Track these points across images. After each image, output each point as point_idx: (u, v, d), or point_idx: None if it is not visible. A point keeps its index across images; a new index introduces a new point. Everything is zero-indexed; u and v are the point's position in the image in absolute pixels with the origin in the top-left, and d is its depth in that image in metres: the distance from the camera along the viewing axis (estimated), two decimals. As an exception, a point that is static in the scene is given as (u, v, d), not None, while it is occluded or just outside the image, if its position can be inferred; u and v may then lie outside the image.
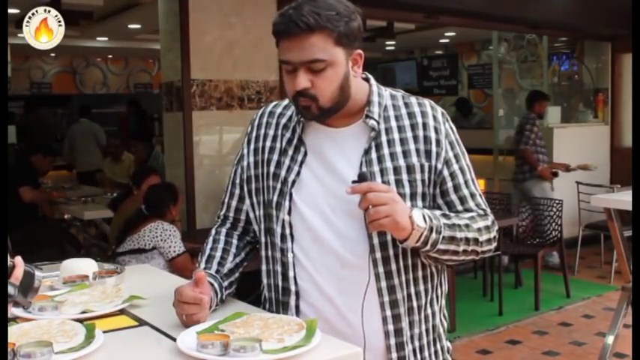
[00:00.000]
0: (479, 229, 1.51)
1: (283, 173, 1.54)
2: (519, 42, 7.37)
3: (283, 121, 1.61)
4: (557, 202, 5.52)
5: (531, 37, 7.25)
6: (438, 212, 1.49)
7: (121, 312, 1.59)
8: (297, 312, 1.53)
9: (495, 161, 7.34)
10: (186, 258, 3.68)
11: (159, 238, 3.62)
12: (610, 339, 3.55)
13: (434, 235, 1.43)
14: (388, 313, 1.49)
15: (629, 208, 3.15)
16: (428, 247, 1.44)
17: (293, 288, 1.53)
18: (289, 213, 1.52)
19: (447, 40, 10.50)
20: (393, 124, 1.53)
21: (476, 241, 1.50)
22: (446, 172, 1.53)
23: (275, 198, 1.54)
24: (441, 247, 1.45)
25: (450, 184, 1.53)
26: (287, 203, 1.52)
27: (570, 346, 4.37)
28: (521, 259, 5.62)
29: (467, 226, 1.49)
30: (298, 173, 1.53)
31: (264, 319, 1.42)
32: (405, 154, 1.51)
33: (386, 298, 1.49)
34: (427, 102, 1.58)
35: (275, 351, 1.26)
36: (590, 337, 4.49)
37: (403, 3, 5.31)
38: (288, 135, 1.58)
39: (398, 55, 11.02)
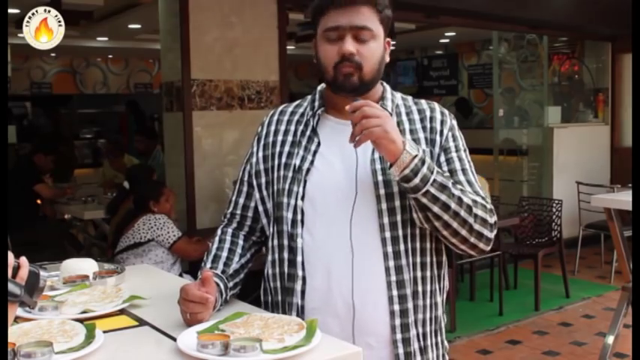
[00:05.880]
0: (474, 201, 1.50)
1: (297, 162, 1.57)
2: (519, 42, 7.37)
3: (296, 117, 1.66)
4: (557, 202, 5.52)
5: (531, 37, 7.24)
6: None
7: (121, 312, 1.59)
8: (303, 297, 1.55)
9: (495, 161, 7.35)
10: (185, 240, 3.78)
11: (154, 228, 3.67)
12: (610, 339, 3.55)
13: (425, 170, 1.43)
14: (395, 292, 1.51)
15: (629, 208, 3.15)
16: (417, 181, 1.42)
17: (300, 273, 1.54)
18: (302, 198, 1.55)
19: (447, 40, 10.49)
20: (404, 117, 1.61)
21: (469, 208, 1.48)
22: (442, 159, 1.58)
23: (287, 186, 1.57)
24: (431, 189, 1.43)
25: (445, 169, 1.56)
26: (301, 190, 1.55)
27: (570, 346, 4.37)
28: (521, 259, 5.62)
29: (462, 190, 1.50)
30: (312, 162, 1.56)
31: (265, 319, 1.42)
32: (415, 142, 1.56)
33: (393, 278, 1.51)
34: (436, 103, 1.68)
35: (275, 351, 1.26)
36: (590, 337, 4.49)
37: (403, 3, 5.31)
38: (301, 128, 1.62)
39: (398, 55, 11.00)
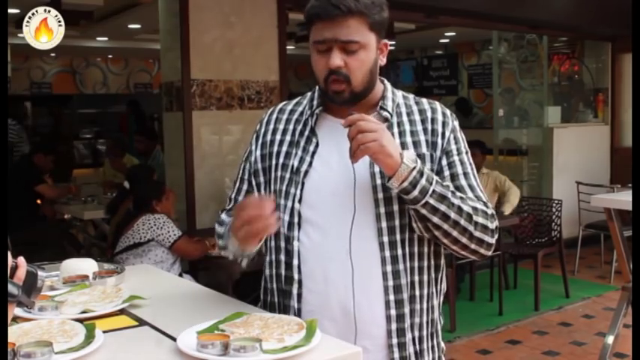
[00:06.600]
0: (474, 208, 1.50)
1: (296, 163, 1.57)
2: (519, 42, 7.37)
3: (295, 116, 1.65)
4: (557, 202, 5.52)
5: (531, 37, 7.24)
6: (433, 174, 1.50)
7: (121, 312, 1.59)
8: (300, 300, 1.54)
9: (495, 161, 7.34)
10: (186, 239, 3.78)
11: (154, 228, 3.67)
12: (610, 339, 3.55)
13: (423, 182, 1.43)
14: (391, 297, 1.51)
15: (629, 208, 3.16)
16: (416, 193, 1.42)
17: (296, 276, 1.55)
18: (299, 201, 1.54)
19: (447, 40, 10.50)
20: (405, 118, 1.59)
21: (469, 217, 1.48)
22: (444, 162, 1.56)
23: (284, 187, 1.57)
24: (430, 200, 1.43)
25: (447, 173, 1.55)
26: (298, 192, 1.55)
27: (570, 346, 4.37)
28: (520, 259, 5.62)
29: (461, 199, 1.49)
30: (310, 163, 1.56)
31: (265, 319, 1.42)
32: (415, 144, 1.55)
33: (390, 283, 1.51)
34: (437, 103, 1.66)
35: (275, 351, 1.26)
36: (590, 337, 4.49)
37: (403, 3, 5.31)
38: (300, 127, 1.61)
39: (398, 55, 11.01)
